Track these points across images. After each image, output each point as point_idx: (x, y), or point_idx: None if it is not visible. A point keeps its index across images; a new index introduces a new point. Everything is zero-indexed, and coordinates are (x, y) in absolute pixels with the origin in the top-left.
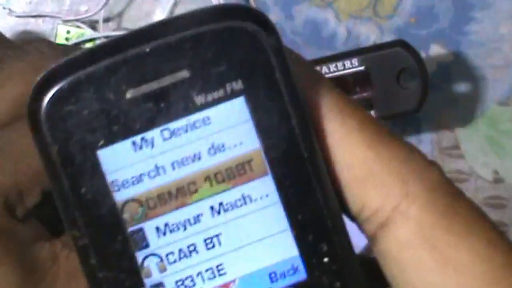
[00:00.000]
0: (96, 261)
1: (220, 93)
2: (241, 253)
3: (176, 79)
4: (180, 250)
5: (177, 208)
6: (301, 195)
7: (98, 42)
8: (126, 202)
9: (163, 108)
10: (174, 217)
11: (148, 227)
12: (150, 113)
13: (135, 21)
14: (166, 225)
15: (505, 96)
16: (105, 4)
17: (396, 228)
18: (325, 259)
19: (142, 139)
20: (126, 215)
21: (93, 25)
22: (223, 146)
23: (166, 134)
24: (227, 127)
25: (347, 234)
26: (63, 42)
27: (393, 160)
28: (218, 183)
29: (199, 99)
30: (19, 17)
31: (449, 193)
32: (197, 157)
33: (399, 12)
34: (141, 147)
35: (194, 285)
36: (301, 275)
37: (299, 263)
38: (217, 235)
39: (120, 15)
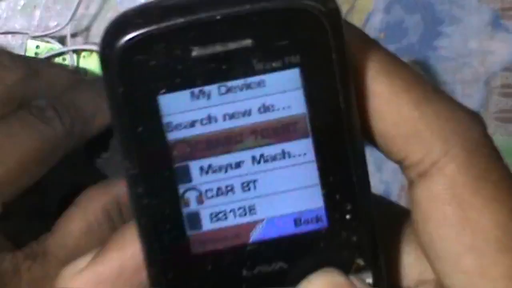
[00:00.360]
0: (142, 189)
1: (278, 63)
2: (273, 198)
3: (240, 46)
4: (218, 189)
5: (221, 153)
6: (335, 159)
7: (67, 56)
8: (176, 142)
9: (223, 69)
10: (217, 160)
11: (193, 165)
12: (211, 71)
13: None
14: (209, 166)
15: (474, 111)
16: (71, 19)
17: (431, 182)
18: (347, 216)
19: (200, 90)
20: (174, 153)
21: (61, 39)
22: (272, 107)
23: (223, 89)
24: (279, 91)
25: (370, 200)
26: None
27: (437, 119)
28: (263, 138)
29: (258, 66)
30: None
31: (486, 156)
32: (247, 113)
33: (368, 27)
34: (198, 98)
35: (226, 218)
36: (323, 225)
37: (322, 215)
38: (253, 181)
39: (87, 29)
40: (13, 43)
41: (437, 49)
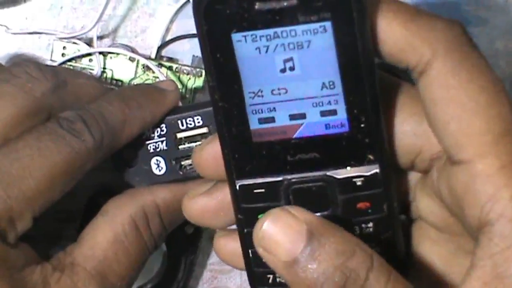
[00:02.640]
0: (218, 96)
1: (315, 17)
2: (311, 110)
3: (289, 4)
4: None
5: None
6: (355, 85)
7: (94, 57)
8: (241, 62)
9: (277, 18)
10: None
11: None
12: (268, 19)
13: (130, 37)
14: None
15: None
16: (98, 20)
17: (425, 76)
18: (362, 125)
19: (259, 32)
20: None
21: (88, 41)
22: (309, 43)
23: (275, 33)
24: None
25: (379, 114)
26: (59, 58)
27: (423, 32)
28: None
29: (301, 18)
30: (16, 34)
31: (462, 52)
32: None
33: None
34: (257, 37)
35: (275, 121)
36: (346, 129)
37: (345, 123)
38: (299, 99)
39: (115, 31)
40: (39, 44)
41: None
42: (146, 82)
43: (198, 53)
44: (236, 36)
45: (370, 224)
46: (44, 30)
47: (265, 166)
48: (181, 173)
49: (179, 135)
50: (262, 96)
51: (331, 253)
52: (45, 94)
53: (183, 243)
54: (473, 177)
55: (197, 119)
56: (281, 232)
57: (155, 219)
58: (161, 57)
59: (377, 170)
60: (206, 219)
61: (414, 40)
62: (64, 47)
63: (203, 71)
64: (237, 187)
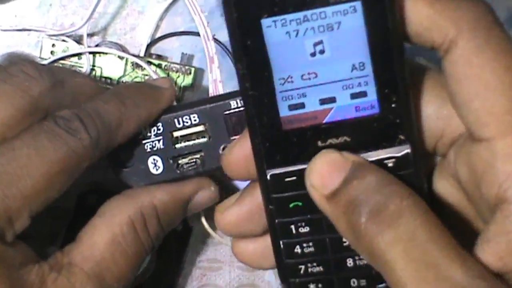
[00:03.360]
0: (249, 84)
1: None
2: (341, 93)
3: None
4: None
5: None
6: (385, 64)
7: (83, 56)
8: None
9: (307, 1)
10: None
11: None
12: (298, 3)
13: (120, 35)
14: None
15: None
16: (89, 18)
17: (450, 54)
18: (393, 105)
19: (290, 16)
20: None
21: (78, 39)
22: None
23: (305, 16)
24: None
25: (409, 93)
26: (49, 55)
27: (448, 11)
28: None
29: (332, 1)
30: (5, 31)
31: (487, 29)
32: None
33: None
34: (286, 21)
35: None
36: (376, 111)
37: (376, 104)
38: (331, 82)
39: (105, 29)
40: (29, 41)
41: None
42: (136, 79)
43: (186, 50)
44: (266, 22)
45: None
46: (33, 28)
47: (296, 153)
48: (178, 172)
49: (176, 134)
50: (292, 82)
51: (369, 184)
52: (42, 93)
53: (172, 240)
54: (493, 155)
55: (194, 117)
56: (326, 166)
57: (152, 220)
58: (150, 55)
59: (408, 150)
60: (242, 228)
61: (440, 19)
62: (53, 45)
63: (192, 69)
64: (268, 177)
